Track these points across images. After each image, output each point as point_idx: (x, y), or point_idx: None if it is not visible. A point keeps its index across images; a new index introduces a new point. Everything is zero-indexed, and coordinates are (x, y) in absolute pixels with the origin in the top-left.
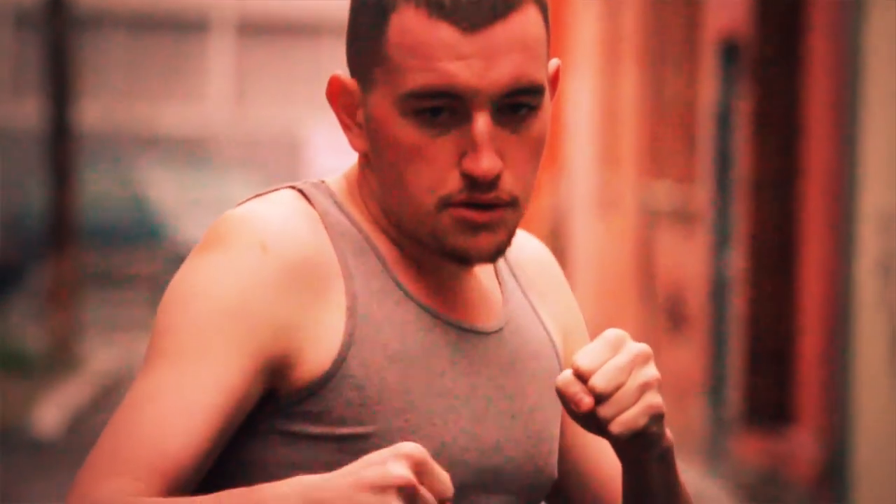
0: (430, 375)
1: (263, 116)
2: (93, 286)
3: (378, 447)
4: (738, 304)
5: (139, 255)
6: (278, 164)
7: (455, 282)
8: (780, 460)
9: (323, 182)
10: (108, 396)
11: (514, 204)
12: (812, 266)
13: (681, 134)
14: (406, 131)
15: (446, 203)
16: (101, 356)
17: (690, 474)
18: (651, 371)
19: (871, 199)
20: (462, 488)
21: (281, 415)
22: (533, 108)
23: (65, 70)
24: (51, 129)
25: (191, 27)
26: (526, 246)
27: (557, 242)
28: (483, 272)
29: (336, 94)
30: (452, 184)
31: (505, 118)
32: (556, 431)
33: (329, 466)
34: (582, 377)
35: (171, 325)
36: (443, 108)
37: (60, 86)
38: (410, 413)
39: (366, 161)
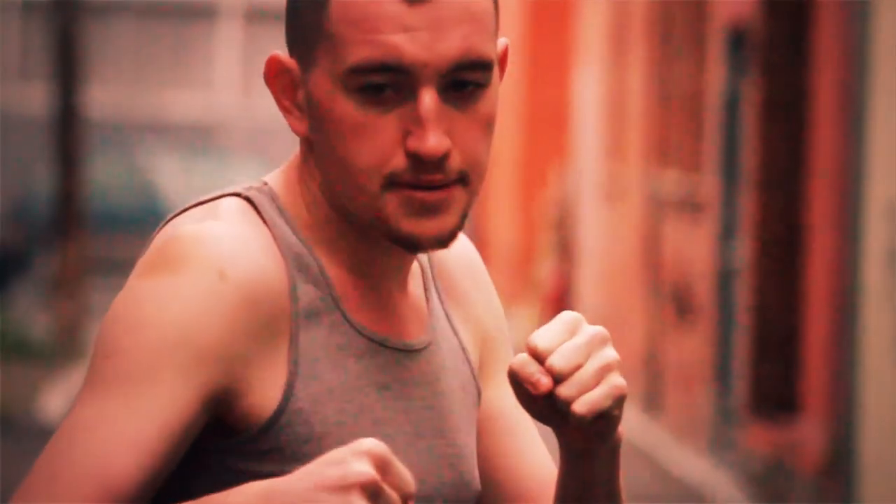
0: (364, 405)
1: (270, 104)
2: (99, 273)
3: None
4: (744, 293)
5: (146, 242)
6: (285, 151)
7: (392, 291)
8: (786, 450)
9: (266, 184)
10: None
11: (464, 181)
12: (819, 256)
13: (688, 123)
14: (348, 109)
15: (391, 183)
16: None
17: (696, 463)
18: (611, 352)
19: (879, 189)
20: None
21: (235, 452)
22: (481, 85)
23: (72, 56)
24: (58, 115)
25: (198, 14)
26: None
27: (564, 233)
28: (413, 280)
29: (274, 75)
30: (397, 163)
31: (452, 95)
32: (473, 445)
33: None
34: (538, 358)
35: (117, 350)
36: (387, 84)
37: (68, 72)
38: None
39: (307, 146)
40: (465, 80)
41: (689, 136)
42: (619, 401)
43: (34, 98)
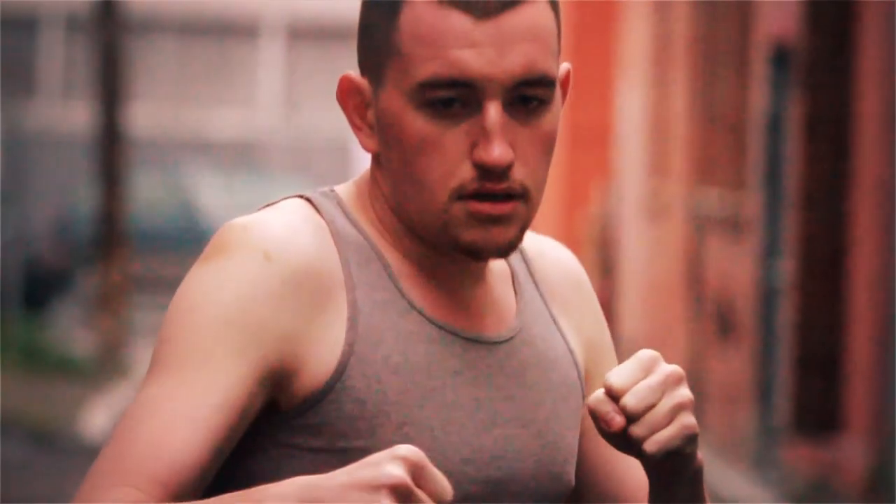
0: (430, 387)
1: (313, 122)
2: (141, 291)
3: None
4: (787, 311)
5: (187, 261)
6: (327, 169)
7: (464, 290)
8: (829, 468)
9: (332, 190)
10: None
11: (525, 197)
12: (862, 273)
13: (731, 141)
14: (418, 123)
15: (459, 195)
16: (148, 361)
17: (739, 482)
18: (684, 392)
19: None
20: (465, 499)
21: (283, 427)
22: (544, 102)
23: (115, 74)
24: (100, 133)
25: (241, 32)
26: (552, 254)
27: (606, 250)
28: (498, 279)
29: (346, 94)
30: (464, 174)
31: (516, 110)
32: (574, 441)
33: None
34: (614, 396)
35: (174, 335)
36: (454, 98)
37: (111, 90)
38: (409, 426)
39: (377, 163)
40: (528, 96)
41: (732, 153)
42: (690, 440)
43: (77, 116)
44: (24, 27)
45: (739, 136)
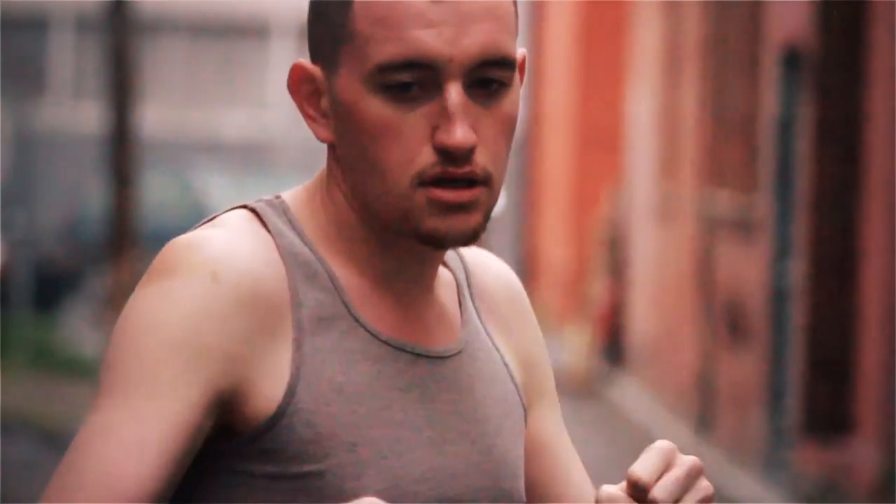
0: (377, 407)
1: None
2: None
3: (333, 485)
4: (798, 313)
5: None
6: None
7: (415, 301)
8: (839, 471)
9: (278, 198)
10: None
11: (487, 182)
12: (873, 276)
13: (741, 143)
14: (376, 109)
15: (420, 181)
16: None
17: (749, 484)
18: (706, 484)
19: None
20: None
21: (236, 453)
22: (504, 85)
23: (125, 75)
24: (111, 134)
25: (250, 33)
26: (492, 268)
27: (616, 252)
28: (444, 290)
29: (298, 83)
30: (425, 159)
31: (476, 93)
32: (520, 456)
33: None
34: (641, 488)
35: (121, 359)
36: (413, 81)
37: (121, 91)
38: (361, 447)
39: (333, 155)
40: (489, 78)
41: (743, 156)
42: None
43: (87, 117)
44: (34, 28)
45: (750, 138)
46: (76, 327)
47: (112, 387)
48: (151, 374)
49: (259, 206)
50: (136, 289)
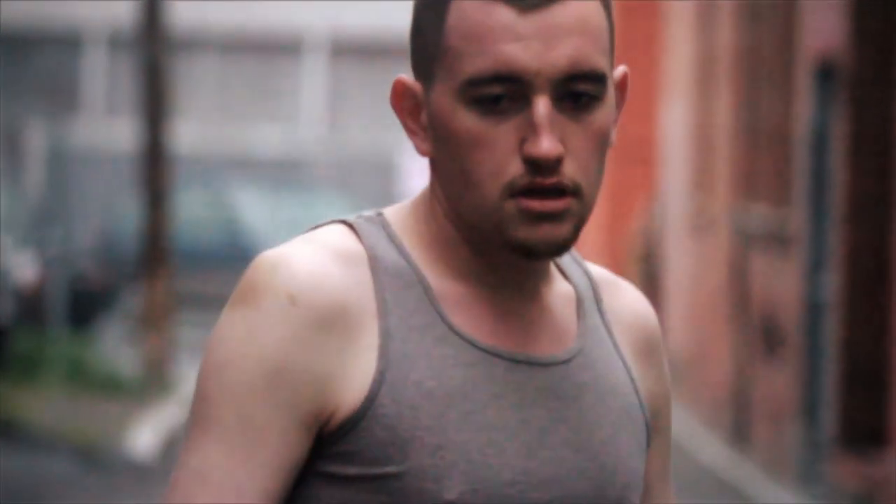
0: (468, 411)
1: (356, 138)
2: (186, 309)
3: (413, 486)
4: (832, 326)
5: (232, 278)
6: (370, 186)
7: (515, 310)
8: (875, 483)
9: (380, 214)
10: None
11: (577, 193)
12: None
13: (775, 156)
14: (467, 121)
15: (510, 192)
16: (193, 379)
17: (785, 497)
18: None
19: None
20: None
21: (319, 456)
22: (595, 98)
23: (158, 92)
24: (144, 150)
25: (283, 48)
26: (629, 294)
27: (650, 265)
28: (560, 301)
29: (400, 98)
30: (514, 170)
31: (566, 106)
32: (638, 468)
33: None
34: None
35: (211, 393)
36: (502, 94)
37: (154, 107)
38: (444, 450)
39: (433, 168)
40: (578, 92)
41: (777, 169)
42: None
43: (120, 134)
44: (68, 45)
45: (784, 151)
46: (111, 345)
47: (207, 423)
48: (244, 409)
49: (357, 221)
50: (225, 310)
